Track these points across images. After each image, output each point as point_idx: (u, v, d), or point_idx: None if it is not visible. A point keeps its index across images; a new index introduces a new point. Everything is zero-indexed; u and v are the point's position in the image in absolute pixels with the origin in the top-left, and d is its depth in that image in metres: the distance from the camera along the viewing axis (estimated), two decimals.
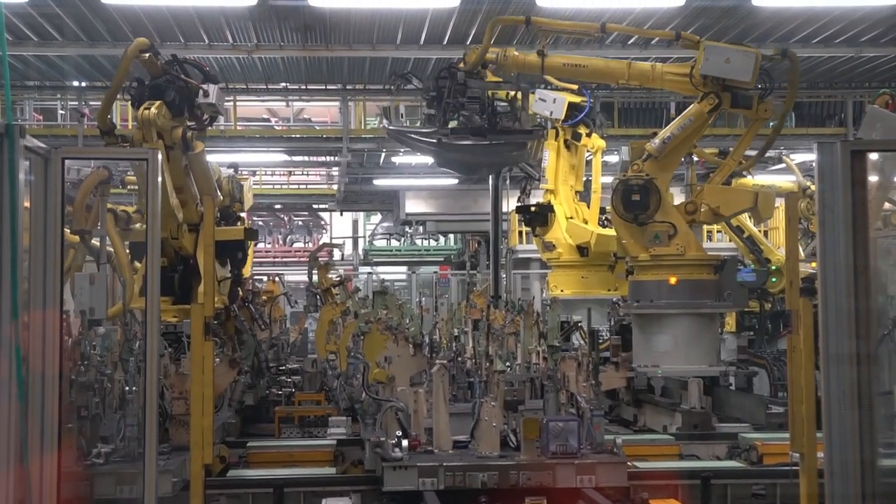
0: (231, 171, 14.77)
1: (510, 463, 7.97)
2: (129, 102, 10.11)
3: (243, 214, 13.84)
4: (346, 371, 9.35)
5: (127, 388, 8.41)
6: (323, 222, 42.10)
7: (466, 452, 8.26)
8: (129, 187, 18.32)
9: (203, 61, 11.86)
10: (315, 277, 17.96)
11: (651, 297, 12.46)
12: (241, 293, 13.06)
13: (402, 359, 8.94)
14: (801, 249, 15.48)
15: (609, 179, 18.40)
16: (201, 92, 10.03)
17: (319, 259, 19.35)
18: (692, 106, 12.69)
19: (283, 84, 23.09)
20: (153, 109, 9.46)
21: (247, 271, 14.92)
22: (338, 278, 18.21)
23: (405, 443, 8.07)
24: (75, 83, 22.32)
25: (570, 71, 13.48)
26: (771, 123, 14.29)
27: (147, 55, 9.68)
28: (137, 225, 10.99)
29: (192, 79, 10.14)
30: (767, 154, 22.13)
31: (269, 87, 23.18)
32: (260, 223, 40.00)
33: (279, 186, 33.86)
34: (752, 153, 14.22)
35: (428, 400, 8.42)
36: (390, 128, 13.07)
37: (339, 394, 11.16)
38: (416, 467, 7.91)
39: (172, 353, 9.25)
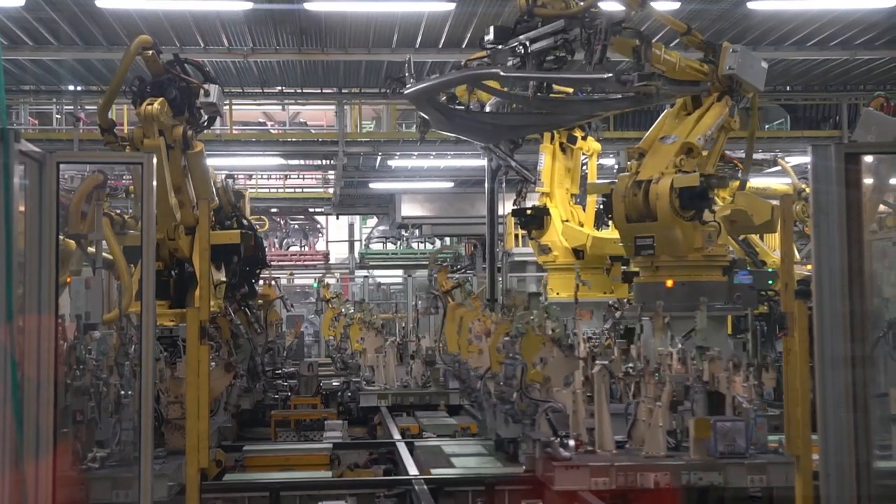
0: (229, 180, 14.80)
1: (681, 463, 7.94)
2: (131, 102, 10.11)
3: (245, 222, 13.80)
4: (503, 371, 9.34)
5: (122, 393, 8.41)
6: (319, 226, 42.13)
7: (629, 452, 8.24)
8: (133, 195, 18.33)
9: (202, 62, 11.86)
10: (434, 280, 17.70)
11: (658, 300, 12.12)
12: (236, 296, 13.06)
13: (556, 360, 8.95)
14: (796, 252, 15.45)
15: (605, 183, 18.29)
16: (202, 91, 10.06)
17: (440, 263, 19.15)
18: (713, 107, 12.32)
19: (279, 88, 23.10)
20: (156, 105, 9.49)
21: None
22: (455, 281, 18.04)
23: (571, 442, 8.06)
24: (71, 87, 22.31)
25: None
26: (767, 126, 14.15)
27: (150, 52, 9.71)
28: (131, 231, 10.98)
29: (192, 79, 10.16)
30: (763, 157, 22.30)
31: (265, 90, 23.18)
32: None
33: (275, 190, 33.89)
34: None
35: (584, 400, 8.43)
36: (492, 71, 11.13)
37: (483, 393, 10.92)
38: (588, 467, 7.87)
39: (168, 357, 9.24)
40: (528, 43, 11.20)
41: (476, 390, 10.85)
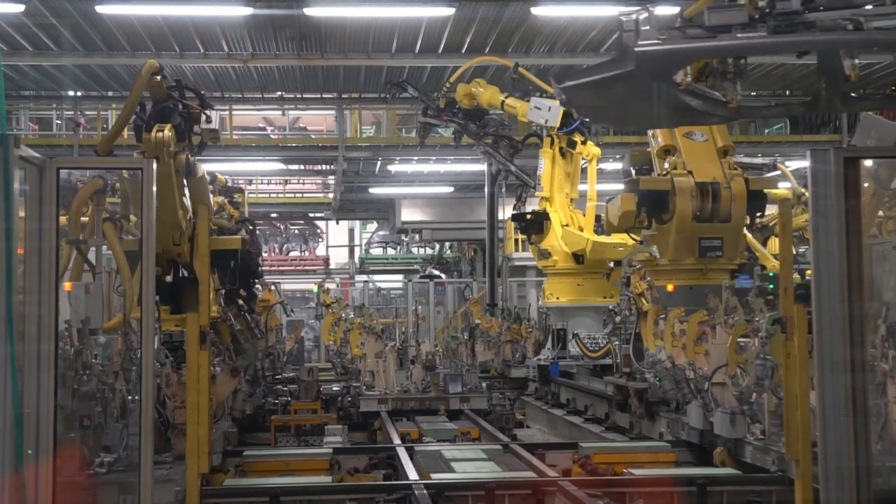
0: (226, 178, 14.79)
1: None
2: (133, 130, 10.10)
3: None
4: (755, 372, 9.31)
5: (129, 398, 8.40)
6: (319, 231, 42.16)
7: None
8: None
9: (198, 84, 11.86)
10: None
11: (668, 304, 11.91)
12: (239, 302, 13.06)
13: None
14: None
15: (605, 187, 18.31)
16: (203, 117, 10.07)
17: None
18: None
19: (279, 93, 23.12)
20: (167, 132, 9.48)
21: None
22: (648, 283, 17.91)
23: None
24: (71, 93, 22.34)
25: None
26: (767, 131, 14.13)
27: (157, 78, 9.71)
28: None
29: (193, 104, 10.16)
30: (763, 161, 22.31)
31: (265, 95, 23.21)
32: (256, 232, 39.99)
33: (275, 195, 33.94)
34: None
35: None
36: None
37: (709, 393, 10.51)
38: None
39: (174, 361, 9.24)
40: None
41: (704, 391, 10.56)
